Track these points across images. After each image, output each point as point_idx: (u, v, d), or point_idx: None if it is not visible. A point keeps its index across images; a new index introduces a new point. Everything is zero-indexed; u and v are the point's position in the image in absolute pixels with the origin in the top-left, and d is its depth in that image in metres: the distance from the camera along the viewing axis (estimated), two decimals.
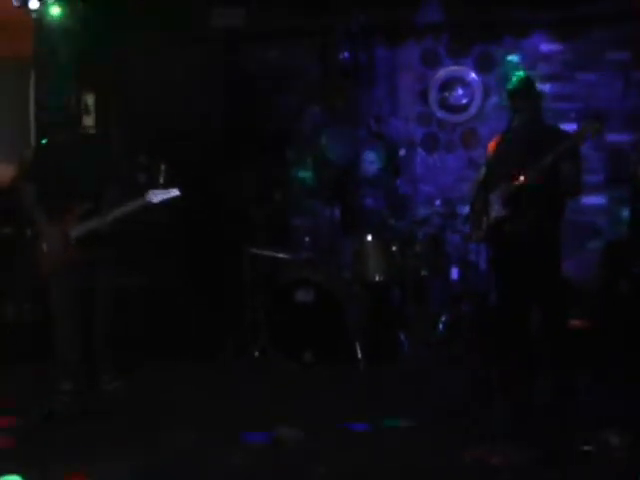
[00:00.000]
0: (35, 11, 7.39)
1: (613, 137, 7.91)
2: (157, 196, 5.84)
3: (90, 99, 7.87)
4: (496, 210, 5.65)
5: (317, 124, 8.95)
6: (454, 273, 7.61)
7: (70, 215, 5.82)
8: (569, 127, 6.35)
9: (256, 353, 7.10)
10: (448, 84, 8.69)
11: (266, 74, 8.88)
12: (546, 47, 8.37)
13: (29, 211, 6.04)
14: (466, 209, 6.55)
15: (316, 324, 6.94)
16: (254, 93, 8.85)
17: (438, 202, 7.82)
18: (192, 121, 8.24)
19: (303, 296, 7.03)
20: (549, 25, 8.27)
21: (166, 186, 6.09)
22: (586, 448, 4.70)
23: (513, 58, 8.42)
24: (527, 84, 5.77)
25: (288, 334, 6.99)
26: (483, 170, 5.96)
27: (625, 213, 7.79)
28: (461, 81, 8.65)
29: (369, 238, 7.31)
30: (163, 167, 6.47)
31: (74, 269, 5.87)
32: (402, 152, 8.57)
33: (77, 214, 5.81)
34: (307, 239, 7.66)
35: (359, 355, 6.82)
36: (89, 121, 7.67)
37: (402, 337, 7.18)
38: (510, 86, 5.79)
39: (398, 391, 6.27)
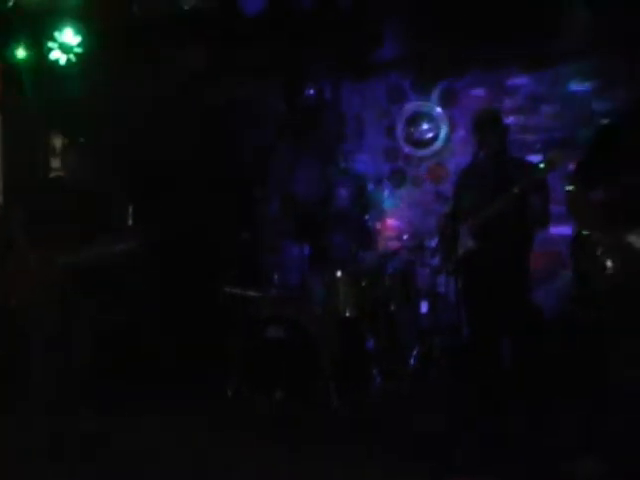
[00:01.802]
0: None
1: None
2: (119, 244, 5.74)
3: (58, 142, 7.84)
4: (466, 242, 5.67)
5: (285, 161, 8.96)
6: (424, 306, 7.59)
7: (58, 243, 5.70)
8: (535, 158, 6.41)
9: (229, 392, 7.02)
10: (414, 119, 8.74)
11: (234, 113, 8.89)
12: (510, 81, 8.43)
13: (13, 235, 5.90)
14: (434, 242, 6.57)
15: (288, 361, 6.88)
16: (222, 132, 8.85)
17: (406, 236, 7.84)
18: (160, 160, 8.20)
19: (274, 333, 6.98)
20: (513, 59, 8.33)
21: (134, 227, 6.03)
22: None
23: (478, 92, 8.48)
24: (492, 117, 5.81)
25: (260, 372, 6.93)
26: (451, 203, 5.99)
27: None
28: (427, 116, 8.71)
29: (339, 274, 7.28)
30: (130, 208, 6.44)
31: (55, 301, 5.74)
32: (370, 187, 8.60)
33: (64, 243, 5.70)
34: (277, 276, 7.63)
35: (332, 390, 6.76)
36: (56, 163, 7.64)
37: (374, 371, 7.13)
38: (475, 120, 5.83)
39: (371, 425, 6.21)
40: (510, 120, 7.68)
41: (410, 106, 8.77)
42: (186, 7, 7.02)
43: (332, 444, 5.74)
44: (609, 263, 4.03)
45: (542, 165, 5.44)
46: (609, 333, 4.42)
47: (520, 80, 8.37)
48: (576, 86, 8.13)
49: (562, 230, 7.85)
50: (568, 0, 7.20)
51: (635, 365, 4.18)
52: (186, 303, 7.87)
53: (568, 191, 4.48)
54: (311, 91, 8.81)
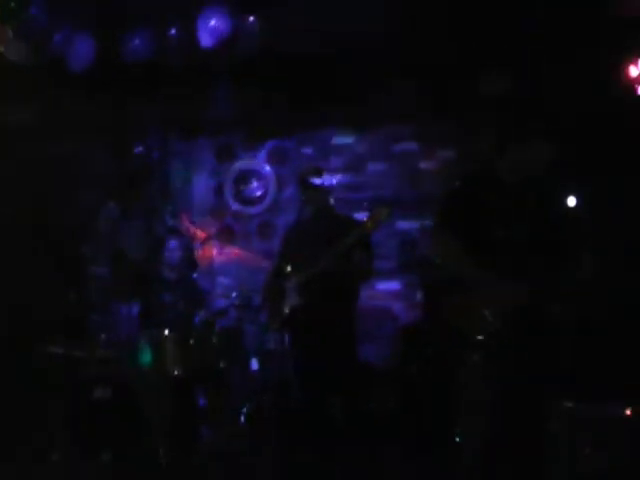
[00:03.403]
0: None
1: (403, 224, 8.15)
2: None
3: None
4: (292, 299, 5.67)
5: (112, 219, 8.80)
6: (253, 363, 7.54)
7: None
8: (361, 216, 6.49)
9: (55, 457, 6.74)
10: (243, 177, 8.77)
11: (60, 170, 8.67)
12: (337, 140, 8.60)
13: None
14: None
15: (115, 421, 6.69)
16: (48, 189, 8.61)
17: (235, 294, 7.78)
18: None
19: (101, 393, 6.78)
20: (340, 119, 8.51)
21: None
22: None
23: (306, 150, 8.60)
24: (316, 175, 5.87)
25: (87, 433, 6.69)
26: (277, 260, 5.99)
27: (418, 296, 7.97)
28: (255, 174, 8.75)
29: (167, 332, 7.15)
30: None
31: None
32: (198, 246, 8.53)
33: None
34: (104, 335, 7.43)
35: (160, 451, 6.61)
36: None
37: (203, 430, 7.01)
38: (300, 177, 5.87)
39: None
40: (337, 178, 7.78)
41: (239, 164, 8.79)
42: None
43: None
44: (486, 313, 4.05)
45: (368, 222, 5.52)
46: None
47: (346, 139, 8.54)
48: (402, 146, 8.36)
49: (388, 285, 8.06)
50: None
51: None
52: (6, 366, 7.53)
53: (435, 234, 4.48)
54: (140, 149, 8.70)
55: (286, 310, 5.73)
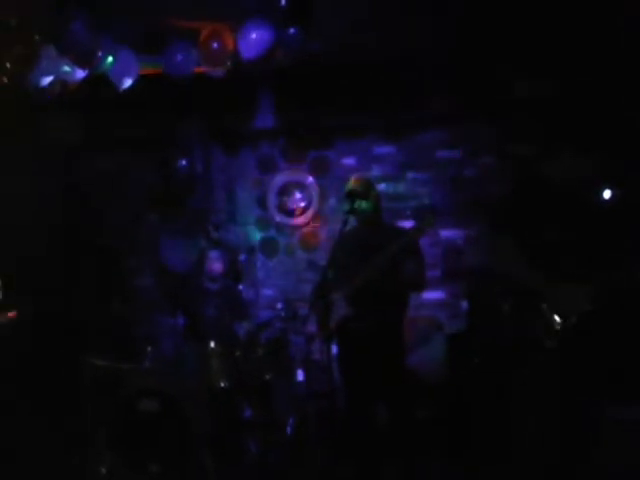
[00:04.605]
0: None
1: (447, 233, 8.14)
2: None
3: None
4: (340, 309, 5.65)
5: (155, 232, 8.85)
6: (299, 374, 7.52)
7: None
8: (407, 225, 6.47)
9: (103, 470, 6.77)
10: (286, 188, 8.78)
11: (104, 183, 8.77)
12: (379, 149, 8.59)
13: None
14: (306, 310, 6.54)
15: (162, 433, 6.71)
16: (92, 203, 8.71)
17: (280, 305, 7.78)
18: (31, 233, 7.98)
19: (147, 406, 6.80)
20: (381, 128, 8.50)
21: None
22: None
23: (348, 160, 8.60)
24: (365, 185, 5.84)
25: (134, 446, 6.72)
26: (325, 270, 5.96)
27: (464, 305, 7.93)
28: (298, 185, 8.76)
29: (212, 345, 7.17)
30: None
31: None
32: (242, 257, 8.56)
33: None
34: (149, 348, 7.45)
35: (207, 463, 6.61)
36: None
37: (250, 442, 7.00)
38: (348, 188, 5.82)
39: None
40: (380, 187, 7.77)
41: (282, 176, 8.81)
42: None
43: None
44: (557, 318, 4.06)
45: (413, 230, 5.50)
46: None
47: (386, 148, 8.53)
48: (443, 153, 8.33)
49: (433, 294, 8.02)
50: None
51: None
52: (53, 377, 7.59)
53: (499, 244, 4.47)
54: (183, 162, 8.74)
55: (334, 321, 5.70)
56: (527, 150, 6.74)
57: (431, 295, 7.95)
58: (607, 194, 5.86)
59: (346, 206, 5.64)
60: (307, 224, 8.74)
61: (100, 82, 7.09)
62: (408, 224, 6.25)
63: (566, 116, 4.29)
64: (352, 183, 5.88)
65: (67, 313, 8.04)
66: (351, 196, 5.67)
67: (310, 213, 8.68)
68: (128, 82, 7.01)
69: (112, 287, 8.35)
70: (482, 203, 7.78)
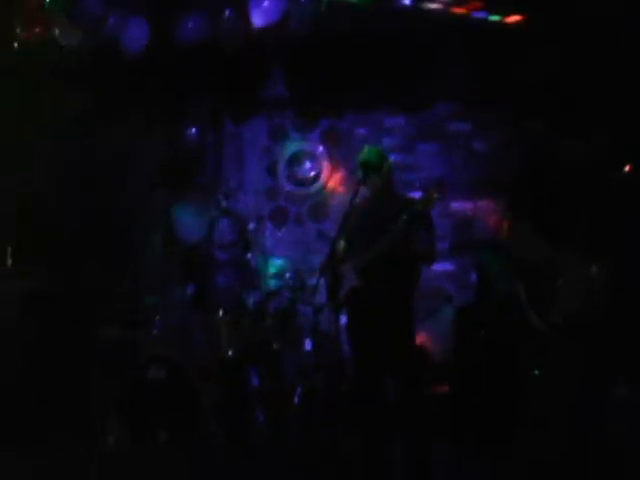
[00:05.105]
0: None
1: (457, 205, 8.12)
2: None
3: None
4: (350, 281, 5.62)
5: (165, 202, 8.84)
6: (307, 344, 7.53)
7: None
8: (415, 195, 6.44)
9: (110, 438, 6.82)
10: (296, 158, 8.76)
11: (114, 154, 8.74)
12: (389, 121, 8.55)
13: None
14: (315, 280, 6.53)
15: (170, 402, 6.75)
16: (101, 174, 8.68)
17: (288, 275, 7.78)
18: (41, 203, 8.00)
19: (155, 374, 6.84)
20: (391, 100, 8.45)
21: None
22: None
23: (359, 131, 8.57)
24: (378, 156, 5.79)
25: (142, 415, 6.77)
26: (335, 241, 5.93)
27: (472, 278, 7.93)
28: (309, 154, 8.74)
29: (221, 314, 7.20)
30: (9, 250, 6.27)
31: None
32: (252, 226, 8.54)
33: None
34: (158, 317, 7.48)
35: (215, 431, 6.66)
36: None
37: (257, 411, 7.03)
38: (362, 158, 5.76)
39: (254, 466, 6.12)
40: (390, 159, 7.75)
41: (292, 145, 8.79)
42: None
43: None
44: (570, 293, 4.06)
45: (421, 201, 5.46)
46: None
47: (398, 120, 8.49)
48: (453, 126, 8.30)
49: (442, 266, 8.00)
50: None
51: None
52: (62, 346, 7.63)
53: (509, 223, 4.47)
54: (193, 131, 8.72)
55: (343, 292, 5.69)
56: (540, 125, 6.68)
57: (440, 266, 7.93)
58: (627, 168, 5.84)
59: (358, 176, 5.61)
60: (317, 194, 8.73)
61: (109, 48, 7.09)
62: (417, 195, 6.23)
63: (580, 92, 4.24)
64: (365, 154, 5.82)
65: (77, 284, 8.06)
66: (364, 167, 5.62)
67: (320, 183, 8.66)
68: (137, 48, 6.98)
69: (122, 258, 8.35)
70: (492, 176, 7.74)
